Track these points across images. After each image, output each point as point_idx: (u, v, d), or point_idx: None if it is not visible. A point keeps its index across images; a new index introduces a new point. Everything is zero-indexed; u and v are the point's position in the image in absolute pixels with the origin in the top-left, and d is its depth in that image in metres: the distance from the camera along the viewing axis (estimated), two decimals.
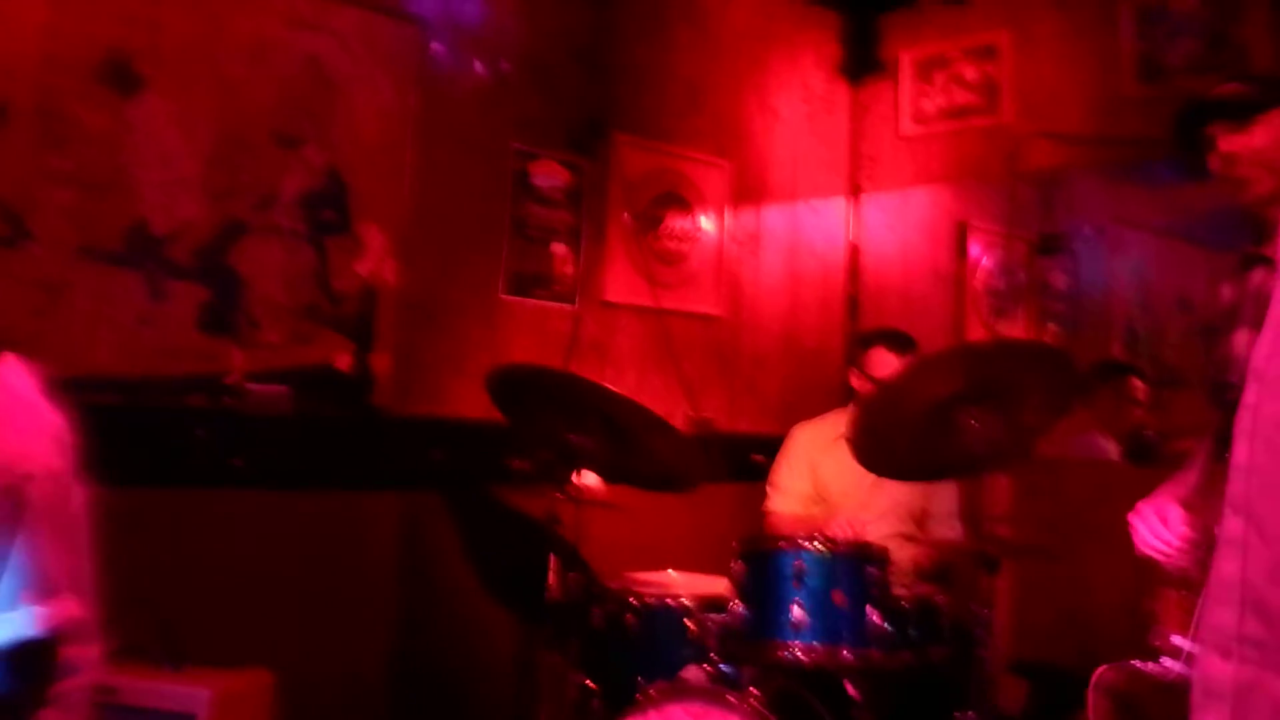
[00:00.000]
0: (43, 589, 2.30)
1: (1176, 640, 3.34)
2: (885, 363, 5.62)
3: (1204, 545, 3.33)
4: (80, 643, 2.47)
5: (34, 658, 2.30)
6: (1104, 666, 3.56)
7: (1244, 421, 1.98)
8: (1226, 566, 2.00)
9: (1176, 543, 3.45)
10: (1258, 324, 3.35)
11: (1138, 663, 3.51)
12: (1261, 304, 3.40)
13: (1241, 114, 3.53)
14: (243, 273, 4.97)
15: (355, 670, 5.28)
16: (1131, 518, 3.65)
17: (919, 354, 5.71)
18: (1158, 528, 3.53)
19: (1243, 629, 1.93)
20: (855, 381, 5.89)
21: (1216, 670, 1.99)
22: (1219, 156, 3.56)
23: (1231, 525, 2.00)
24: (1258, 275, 3.51)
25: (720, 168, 6.88)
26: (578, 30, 6.18)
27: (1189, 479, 3.64)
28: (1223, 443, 3.41)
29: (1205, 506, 3.42)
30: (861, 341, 6.02)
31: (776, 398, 7.13)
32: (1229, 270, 3.73)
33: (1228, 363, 3.57)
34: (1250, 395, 1.97)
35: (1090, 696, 3.65)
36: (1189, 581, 3.40)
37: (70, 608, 2.38)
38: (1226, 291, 3.69)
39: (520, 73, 5.93)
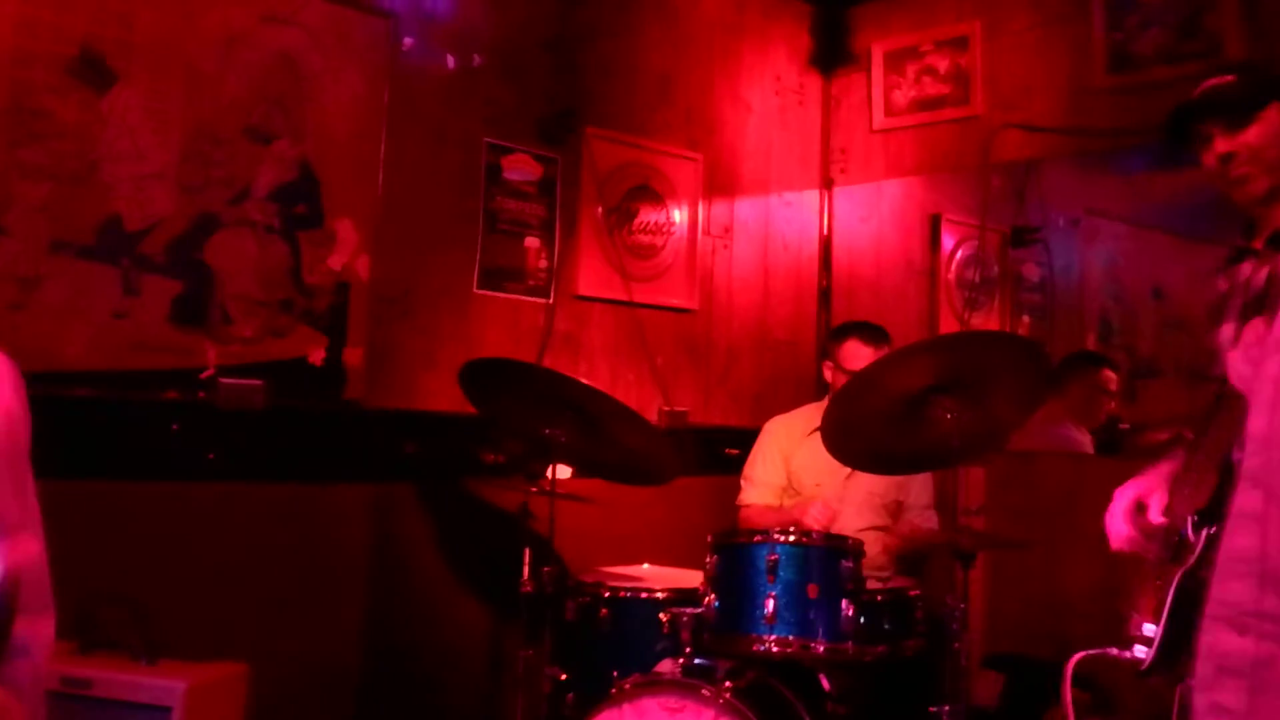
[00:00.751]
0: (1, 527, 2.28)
1: (1148, 629, 3.36)
2: (859, 355, 5.63)
3: (1175, 531, 3.35)
4: (32, 614, 2.45)
5: None
6: (1080, 654, 3.57)
7: (1264, 393, 1.94)
8: (1242, 540, 1.95)
9: (1150, 528, 3.46)
10: (1244, 316, 3.36)
11: (1114, 650, 3.52)
12: (1250, 295, 3.41)
13: (1237, 111, 3.53)
14: (216, 267, 4.96)
15: (329, 663, 5.28)
16: (1112, 504, 3.65)
17: (892, 347, 5.72)
18: (1133, 515, 3.54)
19: (1261, 604, 1.89)
20: (828, 374, 5.91)
21: (1231, 646, 1.94)
22: (1216, 156, 3.57)
23: (1249, 499, 1.95)
24: (1246, 268, 3.52)
25: (692, 161, 6.89)
26: (548, 23, 6.17)
27: (1167, 467, 3.65)
28: (1203, 431, 3.42)
29: (1178, 493, 3.43)
30: (835, 334, 6.04)
31: (749, 391, 7.15)
32: (1220, 264, 3.73)
33: (1213, 355, 3.58)
34: (1272, 367, 1.93)
35: (1066, 684, 3.66)
36: (1161, 567, 3.42)
37: (30, 547, 2.36)
38: (1221, 284, 3.70)
39: (491, 66, 5.93)
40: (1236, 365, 3.08)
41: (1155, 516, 3.49)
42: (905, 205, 7.51)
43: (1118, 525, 3.59)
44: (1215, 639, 1.97)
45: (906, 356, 4.66)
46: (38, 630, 2.44)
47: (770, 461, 5.95)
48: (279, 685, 4.70)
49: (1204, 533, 3.05)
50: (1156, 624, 3.33)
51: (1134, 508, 3.54)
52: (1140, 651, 3.39)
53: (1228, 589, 1.94)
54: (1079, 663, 3.58)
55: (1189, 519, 3.23)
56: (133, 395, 4.74)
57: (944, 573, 4.67)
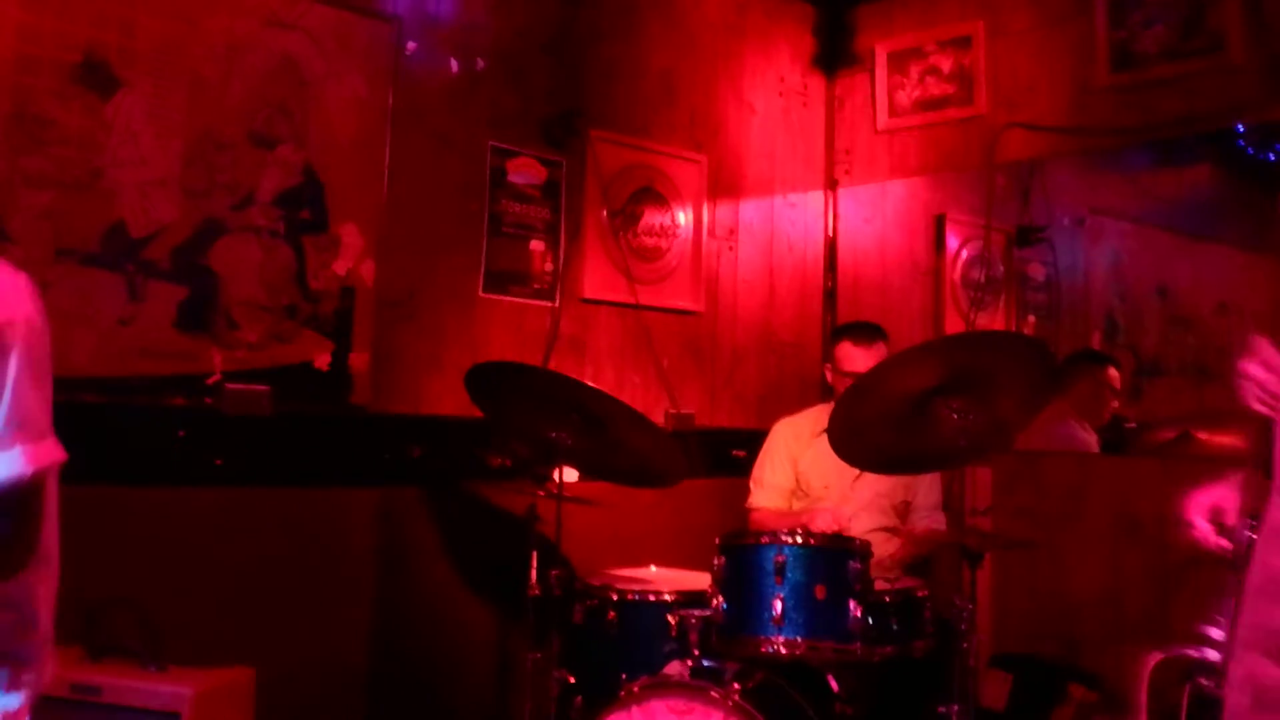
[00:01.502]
0: (27, 430, 2.34)
1: (1216, 633, 3.31)
2: (851, 357, 5.64)
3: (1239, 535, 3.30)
4: (43, 567, 2.49)
5: (24, 497, 2.35)
6: (1158, 657, 3.50)
7: None
8: (1278, 560, 1.83)
9: (1225, 541, 3.41)
10: None
11: (1191, 652, 3.46)
12: None
13: None
14: (221, 273, 4.97)
15: (336, 667, 5.28)
16: (1189, 511, 3.59)
17: (887, 343, 5.73)
18: (1205, 525, 3.49)
19: None
20: (829, 377, 5.92)
21: (1269, 676, 1.81)
22: None
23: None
24: None
25: (697, 163, 6.88)
26: (550, 26, 6.18)
27: (1241, 473, 3.59)
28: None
29: (1244, 498, 3.38)
30: (832, 337, 6.06)
31: (755, 392, 7.14)
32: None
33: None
34: None
35: (1143, 688, 3.59)
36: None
37: (56, 452, 2.42)
38: None
39: (494, 69, 5.93)
40: (1242, 380, 3.02)
41: (1229, 520, 3.44)
42: (910, 205, 7.51)
43: (1204, 536, 3.52)
44: (1251, 669, 1.85)
45: (912, 357, 4.64)
46: (46, 592, 2.49)
47: (778, 464, 5.95)
48: (286, 690, 4.70)
49: (1248, 537, 3.01)
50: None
51: (1212, 515, 3.49)
52: (1212, 654, 3.34)
53: (1264, 614, 1.82)
54: (1155, 662, 3.54)
55: (1247, 523, 3.20)
56: (138, 401, 4.75)
57: (951, 573, 4.67)
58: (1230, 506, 3.43)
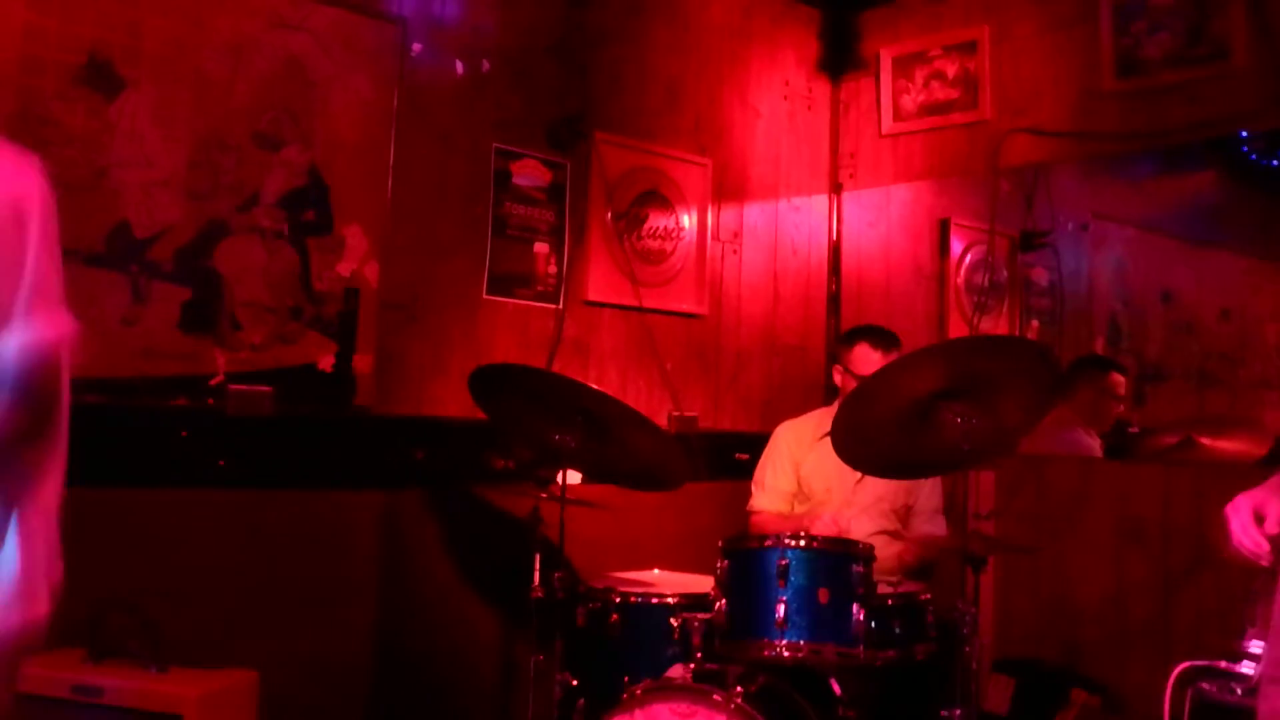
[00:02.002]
0: (47, 298, 2.41)
1: (1255, 646, 3.28)
2: (869, 359, 5.61)
3: None
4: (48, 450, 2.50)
5: (46, 364, 2.41)
6: (1184, 665, 3.47)
7: None
8: None
9: (1263, 542, 3.37)
10: None
11: (1222, 664, 3.43)
12: None
13: None
14: (225, 274, 4.96)
15: (339, 669, 5.27)
16: (1228, 511, 3.56)
17: (902, 352, 5.70)
18: (1249, 524, 3.45)
19: None
20: (838, 378, 5.90)
21: None
22: None
23: None
24: None
25: (701, 166, 6.88)
26: (556, 28, 6.17)
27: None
28: None
29: None
30: (845, 338, 6.03)
31: (759, 396, 7.14)
32: None
33: None
34: None
35: (1167, 696, 3.56)
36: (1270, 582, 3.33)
37: (70, 320, 2.48)
38: None
39: (500, 72, 5.92)
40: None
41: (1272, 527, 3.40)
42: (914, 210, 7.51)
43: (1240, 537, 3.48)
44: (1276, 706, 1.79)
45: (916, 361, 4.64)
46: (55, 475, 2.50)
47: (780, 468, 5.94)
48: (289, 692, 4.70)
49: None
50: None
51: (1253, 518, 3.45)
52: (1248, 668, 3.32)
53: None
54: (1185, 672, 3.51)
55: None
56: (142, 402, 4.74)
57: (954, 577, 4.66)
58: (1272, 512, 3.38)
